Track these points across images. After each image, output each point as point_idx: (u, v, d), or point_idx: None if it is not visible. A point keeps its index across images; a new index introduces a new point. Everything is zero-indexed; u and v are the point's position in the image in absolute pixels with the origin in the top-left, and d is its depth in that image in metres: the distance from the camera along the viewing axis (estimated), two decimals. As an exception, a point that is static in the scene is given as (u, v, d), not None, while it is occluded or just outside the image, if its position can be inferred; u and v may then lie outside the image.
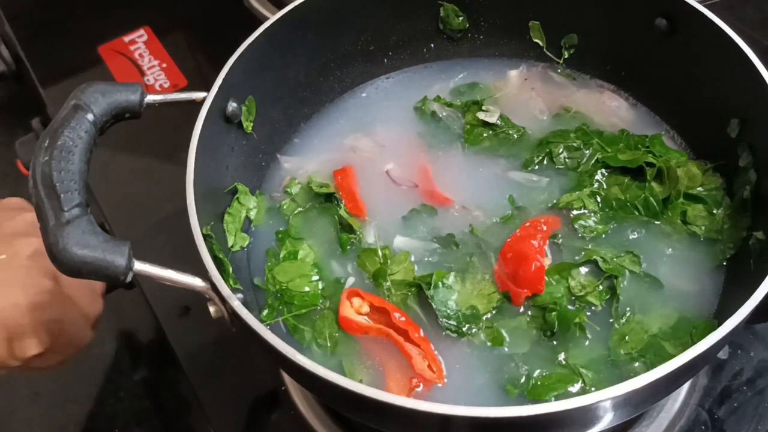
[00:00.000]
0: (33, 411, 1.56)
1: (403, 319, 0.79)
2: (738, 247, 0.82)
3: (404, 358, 0.78)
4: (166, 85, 1.26)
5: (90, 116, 0.74)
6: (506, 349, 0.78)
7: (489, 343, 0.79)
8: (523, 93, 1.01)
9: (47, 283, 0.83)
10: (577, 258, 0.84)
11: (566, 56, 1.02)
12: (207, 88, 0.83)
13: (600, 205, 0.88)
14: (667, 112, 0.96)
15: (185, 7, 1.38)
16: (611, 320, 0.80)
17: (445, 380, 0.77)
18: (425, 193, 0.92)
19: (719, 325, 0.65)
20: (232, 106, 0.87)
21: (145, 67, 1.29)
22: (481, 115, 0.97)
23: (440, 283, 0.81)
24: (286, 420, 0.93)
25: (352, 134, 0.99)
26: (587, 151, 0.92)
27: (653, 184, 0.88)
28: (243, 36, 0.87)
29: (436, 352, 0.78)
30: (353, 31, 0.99)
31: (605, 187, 0.89)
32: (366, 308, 0.82)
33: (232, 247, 0.85)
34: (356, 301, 0.82)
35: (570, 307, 0.80)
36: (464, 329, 0.79)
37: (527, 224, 0.85)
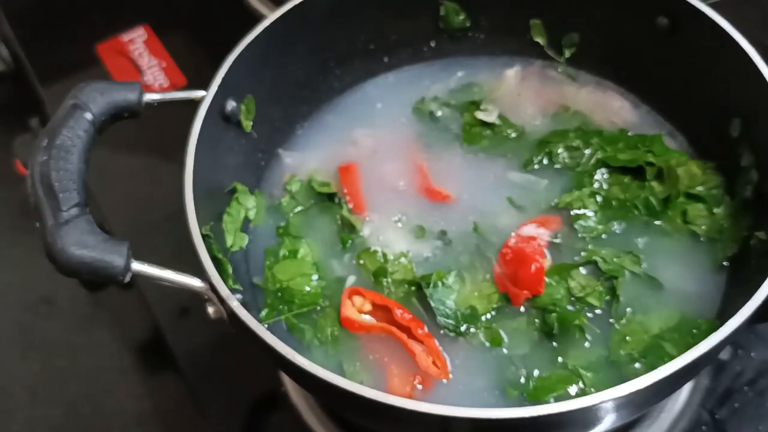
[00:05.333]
0: (33, 411, 1.56)
1: (407, 316, 0.79)
2: (740, 247, 0.82)
3: (406, 356, 0.78)
4: (165, 85, 1.26)
5: (88, 115, 0.74)
6: (505, 351, 0.78)
7: (488, 344, 0.79)
8: (522, 92, 1.01)
9: None
10: (576, 259, 0.84)
11: (567, 55, 1.01)
12: (206, 88, 0.83)
13: (600, 205, 0.88)
14: (668, 111, 0.96)
15: (184, 6, 1.38)
16: (611, 321, 0.79)
17: (450, 376, 0.77)
18: (422, 191, 0.92)
19: (721, 325, 0.65)
20: (230, 105, 0.86)
21: (144, 67, 1.28)
22: (479, 115, 0.97)
23: (440, 283, 0.81)
24: (285, 421, 0.93)
25: (351, 133, 0.99)
26: (587, 151, 0.92)
27: (653, 183, 0.88)
28: (242, 35, 0.87)
29: (441, 348, 0.78)
30: (353, 29, 0.99)
31: (605, 186, 0.89)
32: (368, 306, 0.81)
33: (231, 247, 0.85)
34: (357, 299, 0.82)
35: (570, 308, 0.80)
36: (462, 329, 0.79)
37: (527, 224, 0.85)
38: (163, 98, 0.81)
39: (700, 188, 0.87)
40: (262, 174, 0.96)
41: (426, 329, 0.79)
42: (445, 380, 0.77)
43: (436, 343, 0.78)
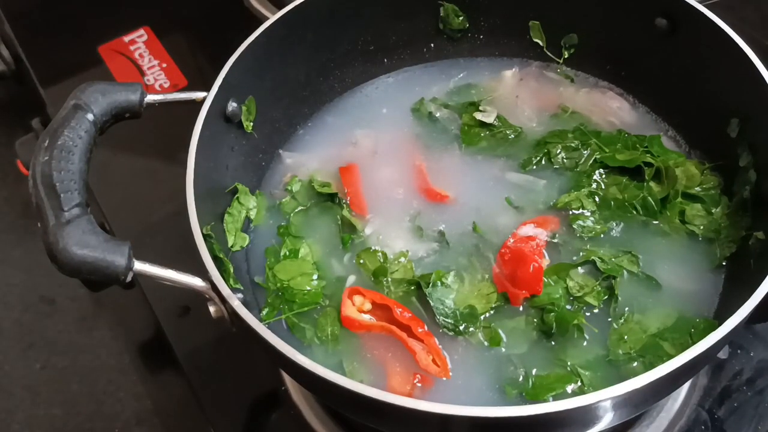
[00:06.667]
0: (33, 411, 1.57)
1: (407, 314, 0.80)
2: (738, 247, 0.82)
3: (406, 355, 0.78)
4: (166, 85, 1.26)
5: (90, 116, 0.75)
6: (504, 350, 0.78)
7: (487, 343, 0.79)
8: (521, 93, 1.01)
9: None
10: (575, 258, 0.84)
11: (566, 56, 1.02)
12: (207, 88, 0.83)
13: (598, 205, 0.88)
14: (667, 112, 0.96)
15: (185, 7, 1.38)
16: (609, 320, 0.80)
17: (450, 374, 0.77)
18: (422, 192, 0.92)
19: (719, 325, 0.65)
20: (232, 105, 0.87)
21: (145, 67, 1.29)
22: (478, 116, 0.97)
23: (439, 282, 0.81)
24: (285, 420, 0.93)
25: (351, 134, 0.99)
26: (585, 152, 0.92)
27: (651, 183, 0.88)
28: (243, 36, 0.87)
29: (440, 347, 0.78)
30: (353, 30, 1.00)
31: (603, 187, 0.89)
32: (368, 306, 0.82)
33: (232, 246, 0.85)
34: (358, 299, 0.82)
35: (568, 307, 0.80)
36: (461, 328, 0.79)
37: (525, 224, 0.85)
38: (165, 99, 0.81)
39: (698, 188, 0.87)
40: (263, 174, 0.96)
41: (426, 328, 0.79)
42: (445, 378, 0.77)
43: (436, 341, 0.79)
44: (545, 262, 0.83)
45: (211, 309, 0.73)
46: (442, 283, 0.81)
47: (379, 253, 0.85)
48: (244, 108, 0.89)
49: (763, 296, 0.67)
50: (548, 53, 1.03)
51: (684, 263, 0.83)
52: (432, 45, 1.05)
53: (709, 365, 0.91)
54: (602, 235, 0.86)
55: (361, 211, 0.90)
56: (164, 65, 1.29)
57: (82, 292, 1.65)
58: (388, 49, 1.03)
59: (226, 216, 0.86)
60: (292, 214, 0.91)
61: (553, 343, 0.78)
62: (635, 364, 0.76)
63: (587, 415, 0.66)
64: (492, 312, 0.81)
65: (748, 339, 0.93)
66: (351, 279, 0.85)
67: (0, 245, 1.83)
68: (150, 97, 0.80)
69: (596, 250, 0.84)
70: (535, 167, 0.93)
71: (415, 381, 0.77)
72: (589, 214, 0.87)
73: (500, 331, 0.79)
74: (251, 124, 0.91)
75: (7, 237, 1.84)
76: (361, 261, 0.85)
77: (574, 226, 0.86)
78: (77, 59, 1.32)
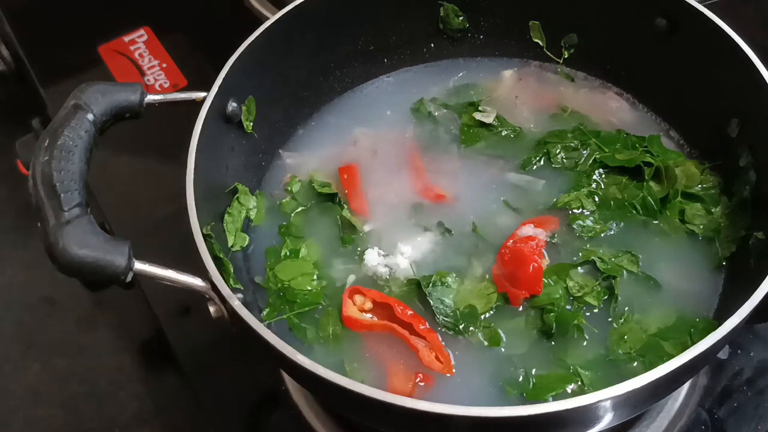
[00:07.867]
0: (33, 411, 1.56)
1: (409, 312, 0.80)
2: (737, 247, 0.82)
3: (408, 353, 0.78)
4: (166, 85, 1.26)
5: (90, 116, 0.75)
6: (503, 350, 0.78)
7: (486, 343, 0.79)
8: (520, 93, 1.01)
9: None
10: (575, 258, 0.84)
11: (566, 56, 1.02)
12: (207, 88, 0.83)
13: (598, 204, 0.88)
14: (667, 112, 0.96)
15: (185, 7, 1.38)
16: (609, 320, 0.80)
17: (454, 371, 0.77)
18: (421, 191, 0.92)
19: (719, 325, 0.65)
20: (232, 106, 0.87)
21: (145, 67, 1.29)
22: (477, 116, 0.97)
23: (439, 282, 0.81)
24: (286, 420, 0.93)
25: (351, 134, 0.99)
26: (585, 151, 0.92)
27: (651, 183, 0.88)
28: (243, 36, 0.88)
29: (443, 343, 0.78)
30: (353, 31, 1.00)
31: (603, 186, 0.89)
32: (369, 305, 0.82)
33: (232, 246, 0.85)
34: (359, 298, 0.82)
35: (568, 307, 0.80)
36: (461, 328, 0.79)
37: (525, 225, 0.85)
38: (165, 99, 0.81)
39: (697, 188, 0.87)
40: (263, 174, 0.96)
41: (427, 325, 0.79)
42: (448, 375, 0.77)
43: (439, 337, 0.79)
44: (545, 262, 0.83)
45: (211, 309, 0.73)
46: (442, 283, 0.81)
47: (379, 253, 0.85)
48: (244, 108, 0.89)
49: (763, 296, 0.67)
50: (548, 53, 1.03)
51: (684, 263, 0.83)
52: (432, 45, 1.05)
53: (709, 365, 0.91)
54: (602, 235, 0.86)
55: (361, 211, 0.90)
56: (164, 65, 1.29)
57: (82, 292, 1.64)
58: (388, 49, 1.03)
59: (226, 216, 0.86)
60: (292, 214, 0.92)
61: (553, 343, 0.78)
62: (635, 364, 0.76)
63: (587, 415, 0.66)
64: (492, 312, 0.81)
65: (748, 339, 0.93)
66: (351, 278, 0.85)
67: (0, 245, 1.83)
68: (150, 97, 0.80)
69: (596, 250, 0.84)
70: (534, 167, 0.93)
71: (416, 380, 0.77)
72: (588, 213, 0.87)
73: (500, 331, 0.79)
74: (251, 124, 0.91)
75: (8, 237, 1.84)
76: (361, 261, 0.85)
77: (574, 226, 0.86)
78: (77, 59, 1.32)
